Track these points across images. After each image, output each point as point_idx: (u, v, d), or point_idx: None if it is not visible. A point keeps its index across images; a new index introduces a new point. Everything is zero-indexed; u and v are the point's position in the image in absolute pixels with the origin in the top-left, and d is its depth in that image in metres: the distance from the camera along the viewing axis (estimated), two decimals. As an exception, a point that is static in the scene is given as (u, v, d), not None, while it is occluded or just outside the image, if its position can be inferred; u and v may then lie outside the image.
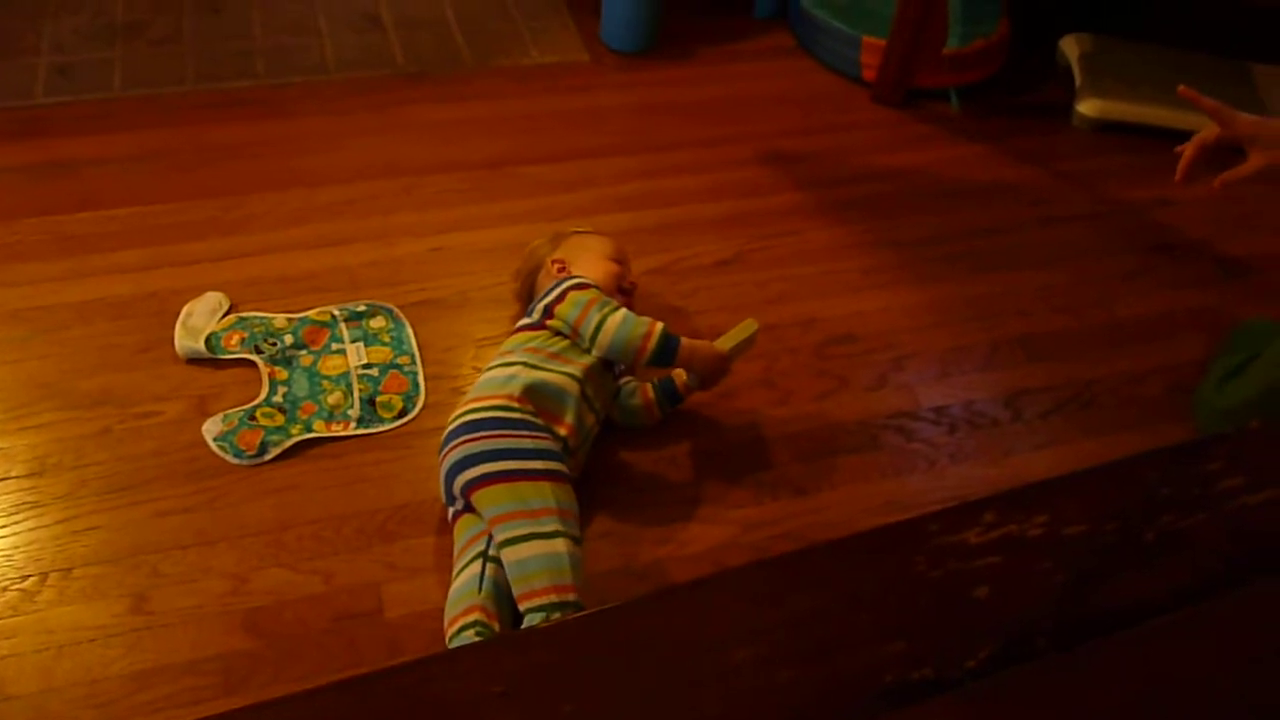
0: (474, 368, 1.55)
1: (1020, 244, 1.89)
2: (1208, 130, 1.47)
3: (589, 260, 1.51)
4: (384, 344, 1.55)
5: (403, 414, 1.46)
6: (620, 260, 1.54)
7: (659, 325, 1.37)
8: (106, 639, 1.19)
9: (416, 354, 1.55)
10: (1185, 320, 1.76)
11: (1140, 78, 2.20)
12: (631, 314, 1.37)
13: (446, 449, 1.27)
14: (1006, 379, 1.64)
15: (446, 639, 1.17)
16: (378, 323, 1.58)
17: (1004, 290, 1.79)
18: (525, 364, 1.33)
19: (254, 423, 1.41)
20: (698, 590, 0.89)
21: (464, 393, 1.50)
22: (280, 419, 1.43)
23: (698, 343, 1.40)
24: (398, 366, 1.52)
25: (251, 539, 1.30)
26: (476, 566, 1.21)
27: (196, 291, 1.60)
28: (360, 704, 0.58)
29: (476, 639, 1.12)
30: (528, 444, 1.25)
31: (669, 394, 1.47)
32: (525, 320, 1.43)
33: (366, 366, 1.52)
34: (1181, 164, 1.47)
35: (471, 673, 0.72)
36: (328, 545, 1.30)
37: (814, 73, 2.26)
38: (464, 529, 1.26)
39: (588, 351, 1.37)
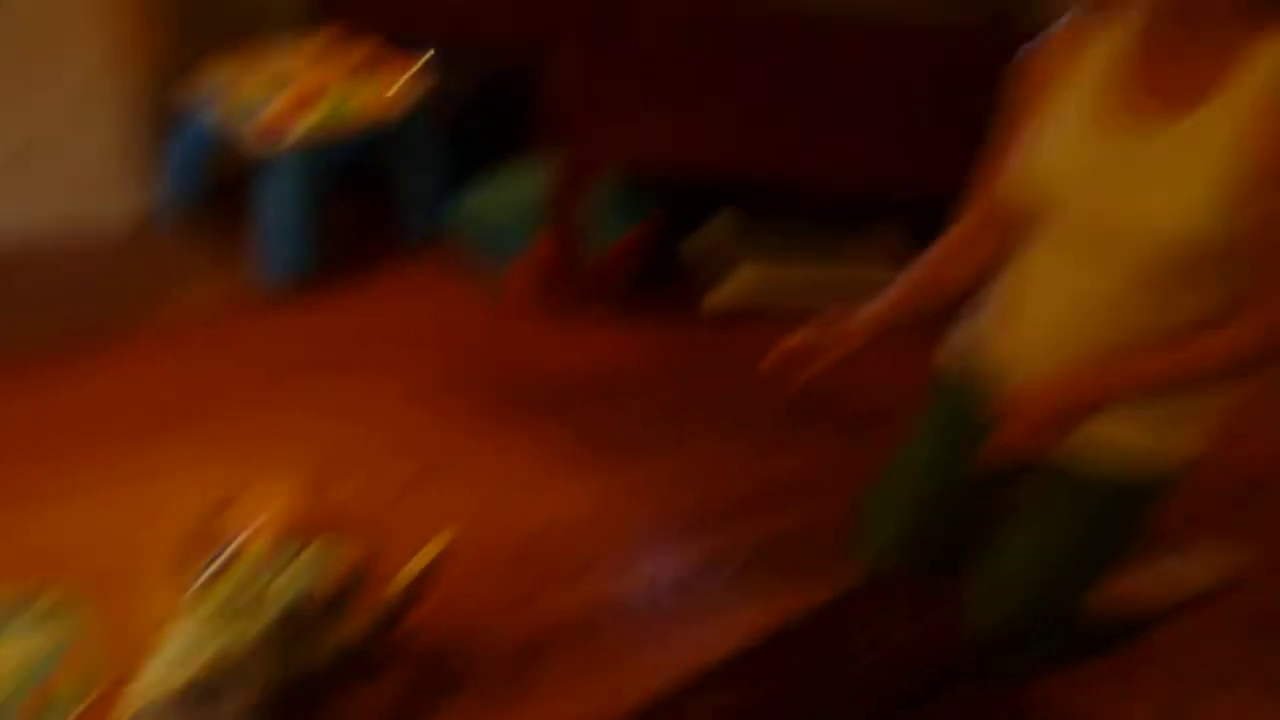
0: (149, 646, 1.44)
1: (690, 423, 2.06)
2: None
3: (267, 515, 1.47)
4: (53, 629, 1.44)
5: (76, 703, 1.35)
6: (294, 508, 1.51)
7: (351, 554, 1.41)
8: None
9: (87, 636, 1.45)
10: (843, 473, 1.91)
11: (778, 258, 2.45)
12: (321, 547, 1.41)
13: None
14: (687, 554, 1.75)
15: None
16: (45, 605, 1.47)
17: (680, 469, 1.94)
18: (222, 638, 1.28)
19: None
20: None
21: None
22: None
23: None
24: (68, 652, 1.41)
25: None
26: None
27: None
28: None
29: None
30: None
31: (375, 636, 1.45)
32: (201, 587, 1.36)
33: (35, 655, 1.39)
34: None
35: None
36: None
37: (477, 288, 2.37)
38: None
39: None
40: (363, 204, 2.60)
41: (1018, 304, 1.35)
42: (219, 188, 2.47)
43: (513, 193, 2.53)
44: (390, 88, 2.30)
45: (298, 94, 2.21)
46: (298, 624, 1.39)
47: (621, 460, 1.93)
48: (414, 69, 2.37)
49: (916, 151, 2.13)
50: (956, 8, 2.04)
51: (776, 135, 2.09)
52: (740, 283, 2.38)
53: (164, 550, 1.57)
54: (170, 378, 2.00)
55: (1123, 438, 1.32)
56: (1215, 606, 1.80)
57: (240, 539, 1.38)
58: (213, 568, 1.35)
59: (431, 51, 2.47)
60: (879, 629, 0.88)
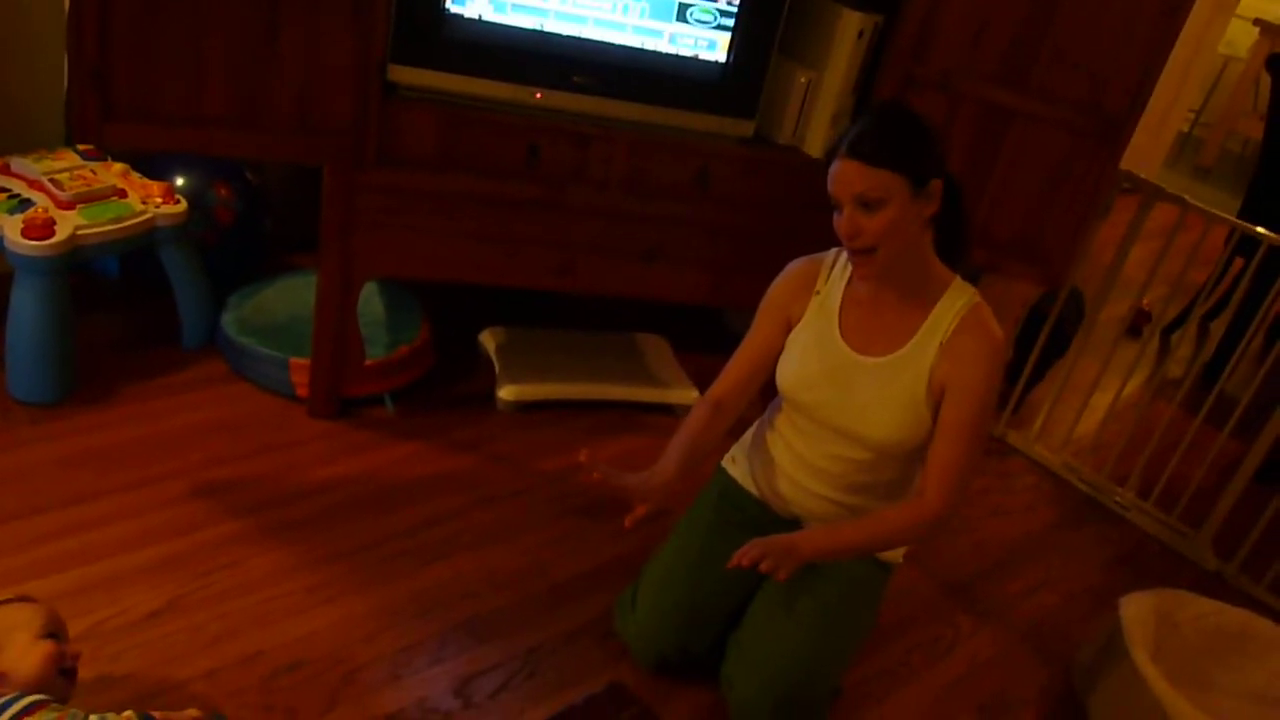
0: None
1: (461, 529, 2.03)
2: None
3: (19, 646, 1.36)
4: None
5: None
6: (56, 632, 1.41)
7: (132, 716, 1.29)
8: None
9: None
10: (611, 569, 1.99)
11: (548, 360, 2.54)
12: (101, 717, 1.26)
13: None
14: (457, 667, 1.72)
15: None
16: None
17: (450, 578, 1.91)
18: None
19: None
20: None
21: None
22: None
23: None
24: None
25: None
26: None
27: None
28: None
29: None
30: None
31: None
32: None
33: None
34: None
35: None
36: None
37: (249, 397, 2.30)
38: None
39: None
40: (129, 315, 2.50)
41: (775, 457, 1.75)
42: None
43: (288, 298, 2.50)
44: (152, 199, 2.25)
45: (54, 203, 2.13)
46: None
47: (395, 571, 1.89)
48: (173, 185, 2.33)
49: (682, 264, 2.27)
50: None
51: (542, 257, 2.17)
52: (524, 384, 2.43)
53: None
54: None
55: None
56: (946, 687, 1.95)
57: (15, 708, 1.25)
58: None
59: (186, 176, 2.44)
60: None
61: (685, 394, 2.53)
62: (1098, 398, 2.72)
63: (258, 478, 2.07)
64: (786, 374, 1.68)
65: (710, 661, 1.75)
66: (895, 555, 1.76)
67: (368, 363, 2.27)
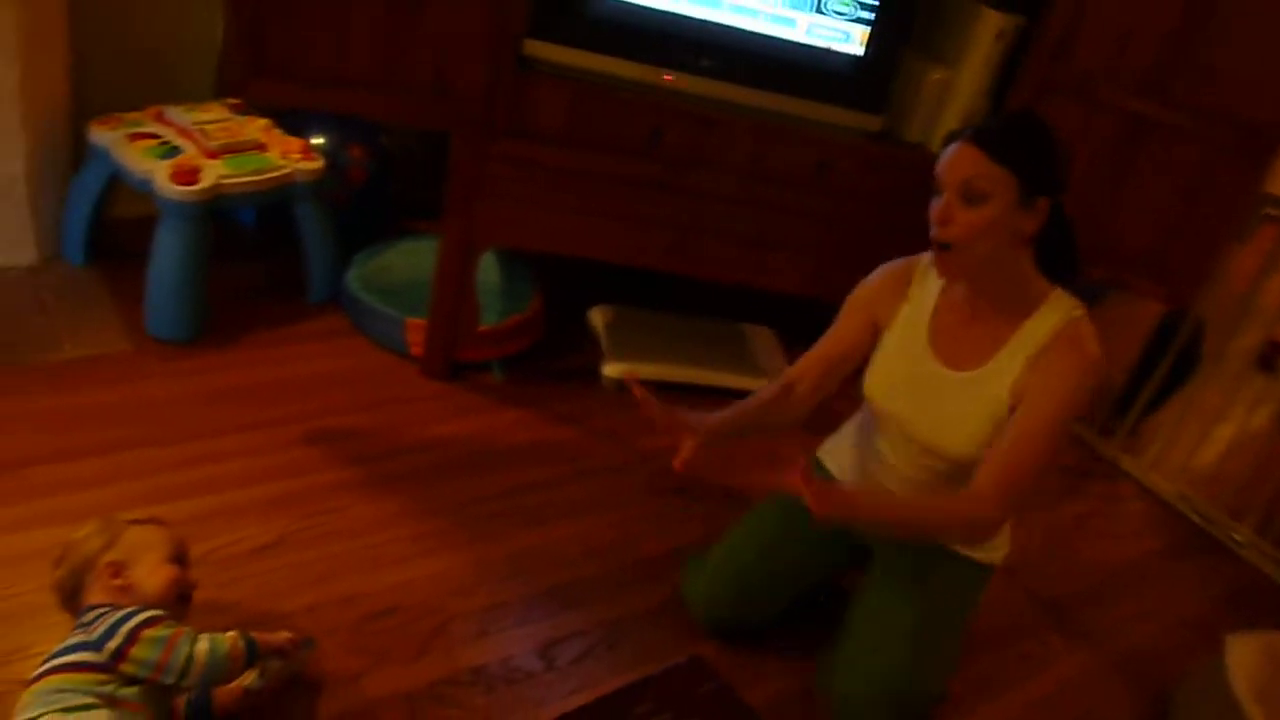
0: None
1: (558, 498, 2.07)
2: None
3: (149, 563, 1.45)
4: None
5: None
6: (180, 558, 1.50)
7: (237, 636, 1.38)
8: None
9: (-107, 692, 1.39)
10: (699, 549, 2.00)
11: (655, 342, 2.56)
12: (209, 636, 1.35)
13: None
14: (541, 630, 1.75)
15: None
16: None
17: (543, 543, 1.95)
18: (98, 708, 1.24)
19: None
20: None
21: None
22: None
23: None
24: None
25: None
26: None
27: None
28: None
29: None
30: None
31: (202, 711, 1.44)
32: (87, 656, 1.31)
33: None
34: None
35: None
36: None
37: (366, 352, 2.39)
38: None
39: (172, 688, 1.33)
40: (261, 266, 2.63)
41: (864, 454, 1.76)
42: (118, 237, 2.47)
43: (409, 261, 2.58)
44: (291, 154, 2.35)
45: (201, 151, 2.25)
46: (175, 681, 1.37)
47: (491, 531, 1.94)
48: (311, 142, 2.43)
49: (792, 252, 2.26)
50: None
51: (656, 236, 2.19)
52: (629, 363, 2.46)
53: (24, 588, 1.57)
54: (44, 420, 1.95)
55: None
56: (1033, 705, 1.90)
57: (137, 620, 1.34)
58: (113, 644, 1.31)
59: (324, 135, 2.54)
60: (668, 717, 0.91)
61: (787, 387, 2.52)
62: (1220, 429, 2.61)
63: (369, 430, 2.15)
64: (870, 380, 1.67)
65: (787, 643, 1.78)
66: (994, 556, 1.71)
67: (480, 329, 2.33)
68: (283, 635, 1.48)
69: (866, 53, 2.11)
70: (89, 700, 1.25)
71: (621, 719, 1.01)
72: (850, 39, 2.11)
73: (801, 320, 2.84)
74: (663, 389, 2.43)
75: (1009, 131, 1.45)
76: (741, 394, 2.49)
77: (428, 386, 2.33)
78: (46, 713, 1.23)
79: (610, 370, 2.46)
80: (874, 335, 1.68)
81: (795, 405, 1.71)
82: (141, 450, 1.94)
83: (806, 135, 2.14)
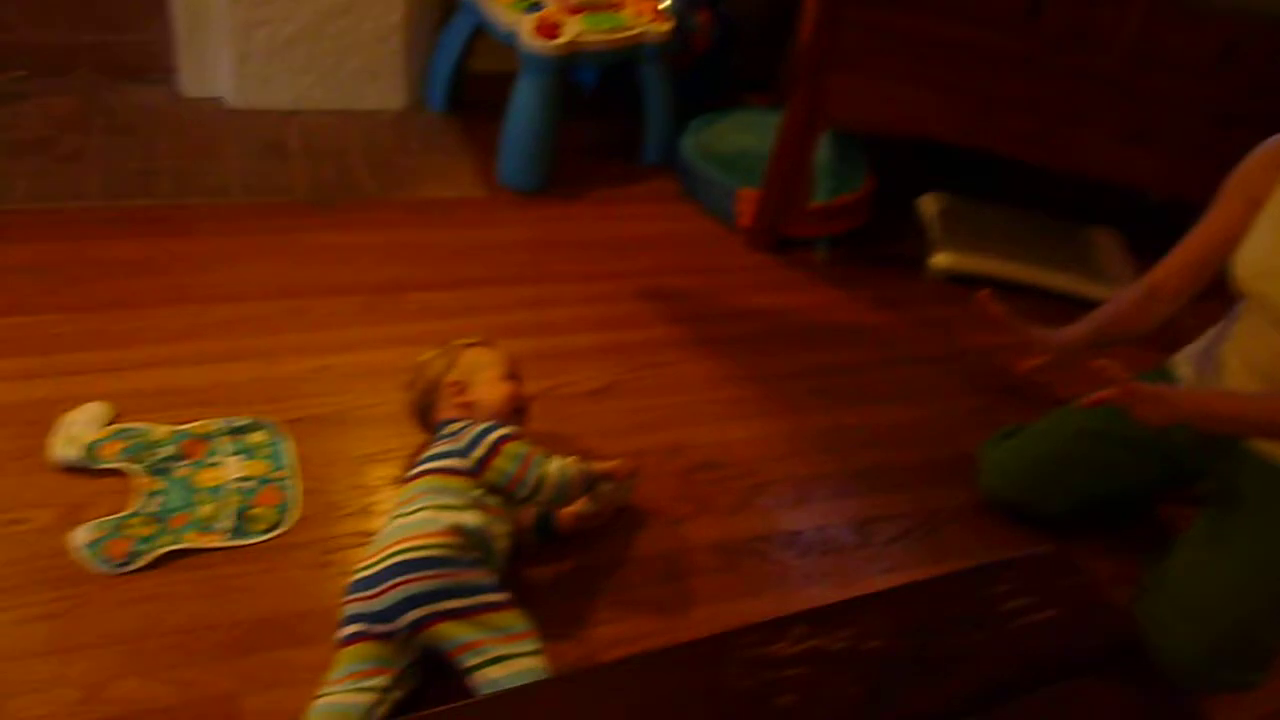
0: (350, 484, 1.60)
1: (876, 382, 2.04)
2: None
3: (487, 380, 1.58)
4: (262, 458, 1.60)
5: (274, 527, 1.50)
6: (514, 377, 1.61)
7: (579, 462, 1.49)
8: (-51, 748, 1.18)
9: (294, 469, 1.60)
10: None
11: (989, 235, 2.43)
12: (559, 459, 1.47)
13: (402, 579, 1.27)
14: (858, 506, 1.75)
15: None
16: (258, 437, 1.63)
17: (859, 424, 1.93)
18: (473, 509, 1.38)
19: (124, 532, 1.43)
20: (528, 694, 0.96)
21: (339, 507, 1.56)
22: (152, 529, 1.45)
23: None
24: (274, 481, 1.57)
25: (111, 648, 1.31)
26: (365, 698, 1.23)
27: (78, 401, 1.62)
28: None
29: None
30: (486, 580, 1.31)
31: (546, 527, 1.55)
32: (456, 463, 1.44)
33: (243, 480, 1.55)
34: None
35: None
36: (187, 655, 1.32)
37: (694, 218, 2.43)
38: (366, 656, 1.27)
39: (522, 501, 1.45)
40: (598, 126, 2.71)
41: (1224, 362, 1.56)
42: (475, 90, 2.62)
43: (742, 132, 2.57)
44: (643, 15, 2.38)
45: (562, 7, 2.31)
46: (527, 495, 1.48)
47: (808, 405, 1.95)
48: (660, 6, 2.43)
49: (1173, 150, 2.04)
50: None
51: (1017, 121, 2.04)
52: (961, 255, 2.35)
53: (368, 405, 1.74)
54: (412, 252, 2.14)
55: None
56: None
57: (498, 433, 1.45)
58: (477, 454, 1.43)
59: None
60: (1025, 603, 0.87)
61: (1132, 297, 2.33)
62: None
63: (694, 292, 2.19)
64: (1244, 259, 1.49)
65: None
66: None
67: (817, 203, 2.30)
68: (614, 463, 1.57)
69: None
70: (461, 502, 1.38)
71: (977, 595, 0.99)
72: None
73: (1149, 227, 2.62)
74: (993, 284, 2.33)
75: None
76: (1081, 300, 2.36)
77: (752, 257, 2.33)
78: (426, 507, 1.37)
79: (939, 260, 2.36)
80: (1251, 219, 1.50)
81: (1156, 312, 1.60)
82: (493, 288, 2.08)
83: (1211, 15, 1.90)
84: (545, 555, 1.55)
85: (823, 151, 2.50)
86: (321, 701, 1.23)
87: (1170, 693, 0.90)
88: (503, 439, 1.45)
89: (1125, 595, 1.60)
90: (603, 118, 2.72)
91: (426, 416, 1.60)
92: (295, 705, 1.25)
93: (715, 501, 1.70)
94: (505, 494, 1.44)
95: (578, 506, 1.57)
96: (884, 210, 2.51)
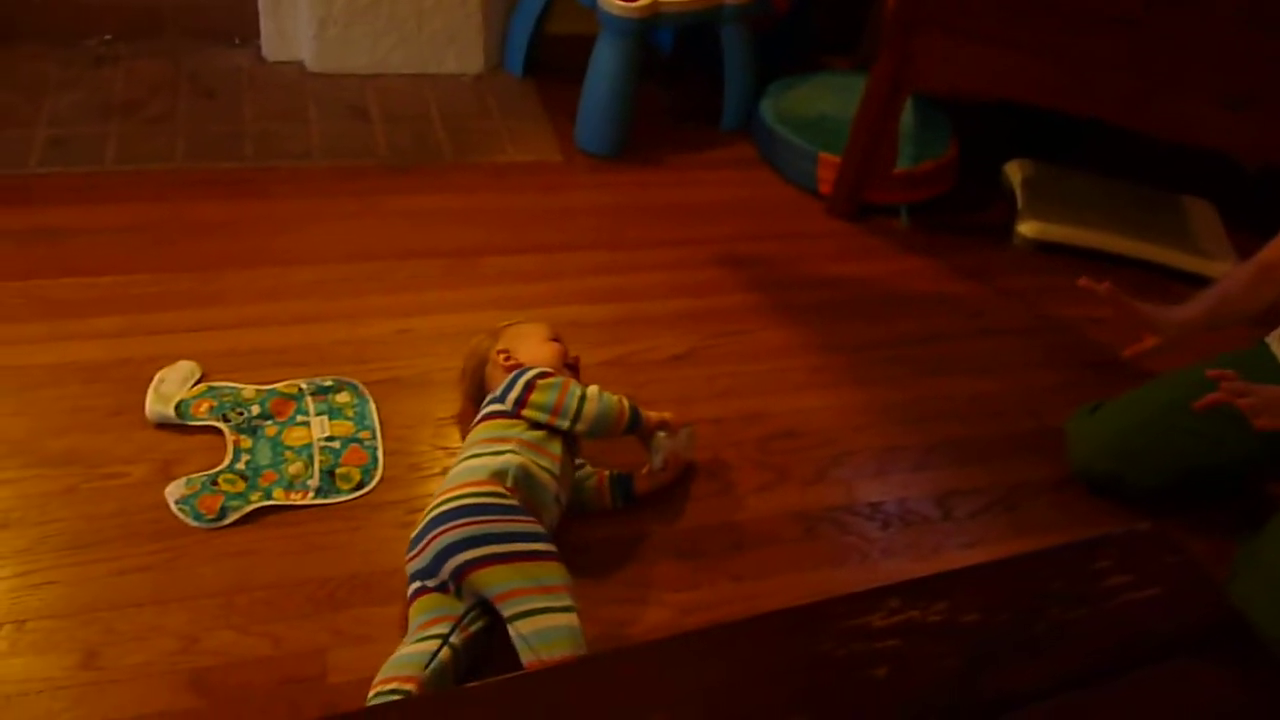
0: (432, 445, 1.62)
1: (958, 353, 2.00)
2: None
3: (531, 345, 1.59)
4: (347, 418, 1.62)
5: (360, 486, 1.52)
6: (558, 339, 1.63)
7: (621, 396, 1.51)
8: (54, 691, 1.22)
9: (377, 430, 1.62)
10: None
11: (1078, 203, 2.35)
12: (597, 387, 1.48)
13: (439, 530, 1.29)
14: (939, 479, 1.72)
15: (369, 696, 1.21)
16: (343, 398, 1.65)
17: (940, 395, 1.89)
18: (514, 452, 1.38)
19: (216, 488, 1.47)
20: (615, 659, 0.96)
21: (421, 468, 1.58)
22: (241, 486, 1.48)
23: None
24: (359, 441, 1.59)
25: (205, 600, 1.34)
26: (430, 645, 1.25)
27: (170, 359, 1.66)
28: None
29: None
30: (530, 529, 1.31)
31: (624, 488, 1.56)
32: (496, 407, 1.47)
33: (329, 439, 1.58)
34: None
35: (403, 724, 0.78)
36: (278, 610, 1.35)
37: (773, 184, 2.40)
38: (428, 607, 1.29)
39: (568, 431, 1.45)
40: (675, 90, 2.68)
41: None
42: (552, 53, 2.61)
43: (822, 96, 2.52)
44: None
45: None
46: (573, 462, 1.51)
47: (888, 375, 1.91)
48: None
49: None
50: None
51: (1116, 84, 1.96)
52: (1048, 223, 2.29)
53: (449, 368, 1.76)
54: (491, 216, 2.15)
55: None
56: None
57: (532, 372, 1.47)
58: (514, 393, 1.45)
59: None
60: (1126, 580, 0.85)
61: (1228, 268, 2.24)
62: None
63: (773, 260, 2.17)
64: None
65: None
66: None
67: (899, 170, 2.25)
68: (665, 414, 1.58)
69: None
70: (505, 446, 1.40)
71: (1076, 571, 0.96)
72: None
73: (1245, 199, 2.53)
74: (1082, 254, 2.27)
75: None
76: (1174, 271, 2.29)
77: (832, 224, 2.30)
78: (477, 454, 1.40)
79: (1025, 229, 2.30)
80: None
81: (1266, 295, 1.54)
82: (570, 254, 2.08)
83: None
84: (622, 519, 1.55)
85: (906, 116, 2.44)
86: (392, 657, 1.26)
87: (1276, 674, 0.88)
88: (536, 376, 1.47)
89: (1220, 575, 1.55)
90: (681, 82, 2.70)
91: (481, 394, 1.59)
92: (381, 660, 1.27)
93: (793, 470, 1.69)
94: (549, 429, 1.44)
95: (646, 468, 1.57)
96: (968, 177, 2.45)
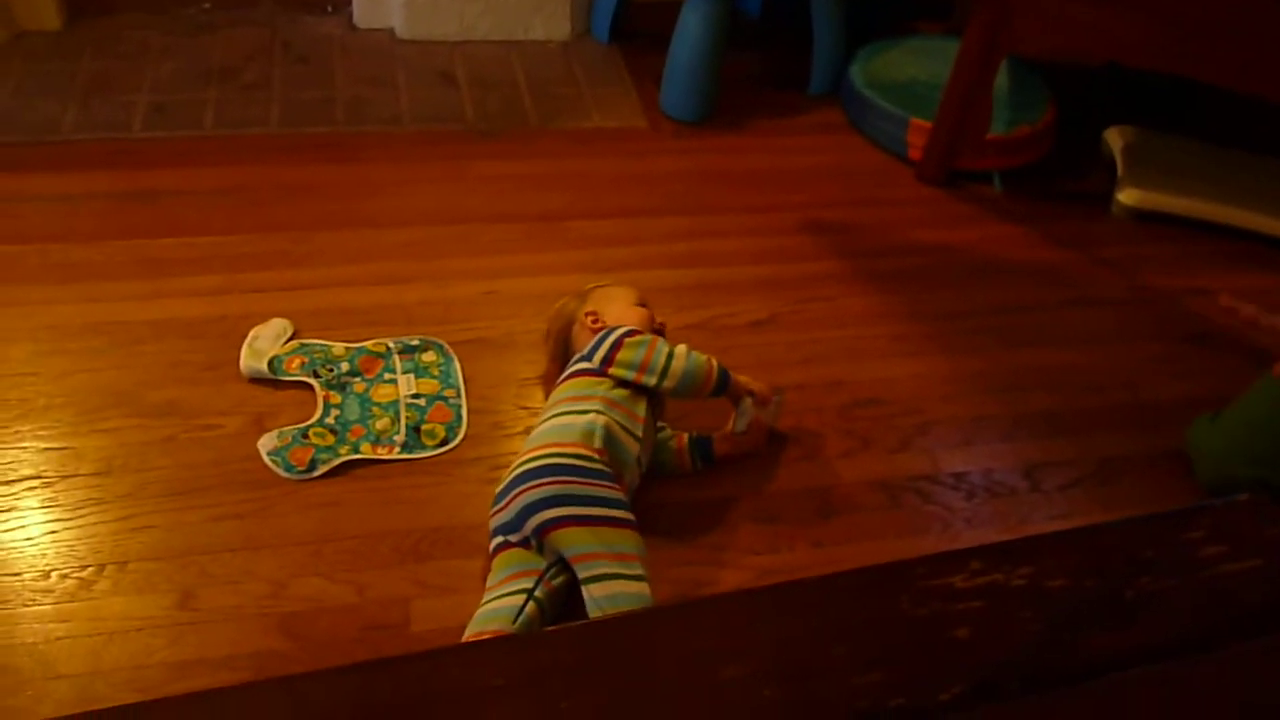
0: (515, 405, 1.63)
1: (1051, 323, 1.94)
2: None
3: (619, 308, 1.59)
4: (433, 377, 1.65)
5: (444, 443, 1.55)
6: (645, 304, 1.62)
7: (711, 357, 1.50)
8: (153, 629, 1.28)
9: (462, 388, 1.64)
10: (1210, 408, 1.79)
11: (1181, 171, 2.26)
12: (685, 347, 1.48)
13: (523, 487, 1.31)
14: (1027, 451, 1.68)
15: (461, 646, 1.24)
16: (429, 357, 1.68)
17: (1031, 366, 1.84)
18: (599, 411, 1.39)
19: (306, 441, 1.51)
20: (694, 608, 0.96)
21: (503, 427, 1.60)
22: (330, 439, 1.52)
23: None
24: (444, 399, 1.62)
25: (294, 548, 1.39)
26: (517, 600, 1.28)
27: (264, 317, 1.71)
28: (369, 686, 0.66)
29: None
30: (611, 495, 1.32)
31: (703, 450, 1.55)
32: (583, 365, 1.48)
33: (415, 396, 1.61)
34: None
35: (478, 666, 0.79)
36: (363, 560, 1.38)
37: (862, 149, 2.35)
38: (511, 562, 1.32)
39: (655, 390, 1.45)
40: (762, 55, 2.65)
41: None
42: (638, 20, 2.60)
43: (913, 61, 2.47)
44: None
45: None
46: (655, 425, 1.51)
47: (976, 344, 1.87)
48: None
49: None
50: None
51: (1232, 47, 1.87)
52: (1150, 191, 2.20)
53: (533, 329, 1.77)
54: (576, 181, 2.16)
55: None
56: None
57: (620, 331, 1.48)
58: (602, 351, 1.45)
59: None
60: (1223, 550, 0.82)
61: (1344, 240, 2.13)
62: None
63: (860, 226, 2.13)
64: None
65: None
66: None
67: (992, 136, 2.19)
68: (758, 384, 1.57)
69: None
70: (592, 404, 1.40)
71: (1170, 539, 0.93)
72: None
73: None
74: (1183, 224, 2.18)
75: None
76: (1277, 242, 2.18)
77: (922, 191, 2.25)
78: (561, 412, 1.41)
79: (1125, 197, 2.21)
80: None
81: None
82: (654, 219, 2.07)
83: None
84: (702, 481, 1.55)
85: (1000, 80, 2.37)
86: (480, 610, 1.28)
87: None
88: (624, 335, 1.46)
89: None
90: (768, 46, 2.66)
91: (567, 356, 1.60)
92: (462, 611, 1.30)
93: (876, 438, 1.66)
94: (635, 387, 1.44)
95: (728, 427, 1.56)
96: (1065, 143, 2.37)
